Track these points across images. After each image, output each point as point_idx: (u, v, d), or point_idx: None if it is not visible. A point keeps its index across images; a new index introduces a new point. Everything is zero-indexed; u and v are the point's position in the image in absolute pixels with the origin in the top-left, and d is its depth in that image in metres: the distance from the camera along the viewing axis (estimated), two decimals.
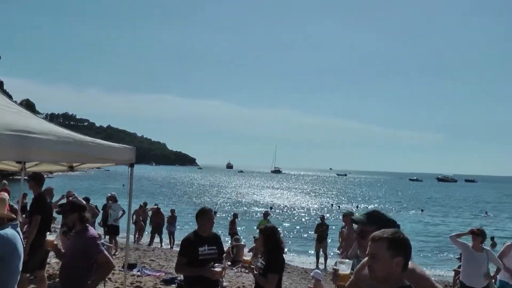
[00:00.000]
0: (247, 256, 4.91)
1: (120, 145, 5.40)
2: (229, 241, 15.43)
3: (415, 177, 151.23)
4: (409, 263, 2.31)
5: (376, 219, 2.81)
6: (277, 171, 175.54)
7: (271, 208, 33.86)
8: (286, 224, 28.14)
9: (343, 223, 10.84)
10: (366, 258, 2.68)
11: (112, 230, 14.06)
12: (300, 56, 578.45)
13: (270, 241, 4.59)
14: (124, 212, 14.16)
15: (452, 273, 11.38)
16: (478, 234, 6.79)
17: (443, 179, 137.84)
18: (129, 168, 5.45)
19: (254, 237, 14.10)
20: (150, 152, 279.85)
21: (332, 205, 42.84)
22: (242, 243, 14.59)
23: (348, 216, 8.73)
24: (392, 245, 2.23)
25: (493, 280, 7.23)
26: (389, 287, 2.25)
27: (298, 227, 27.39)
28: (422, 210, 40.55)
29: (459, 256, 14.80)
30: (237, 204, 40.07)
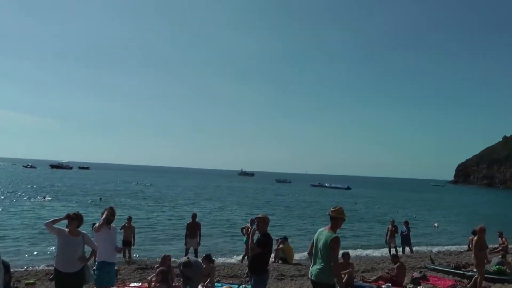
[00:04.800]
0: None
1: None
2: None
3: (29, 164, 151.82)
4: None
5: None
6: None
7: None
8: None
9: None
10: None
11: None
12: None
13: None
14: None
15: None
16: (74, 218, 6.73)
17: (57, 166, 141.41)
18: None
19: None
20: None
21: None
22: None
23: None
24: None
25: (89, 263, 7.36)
26: None
27: None
28: (44, 197, 40.53)
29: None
30: None
